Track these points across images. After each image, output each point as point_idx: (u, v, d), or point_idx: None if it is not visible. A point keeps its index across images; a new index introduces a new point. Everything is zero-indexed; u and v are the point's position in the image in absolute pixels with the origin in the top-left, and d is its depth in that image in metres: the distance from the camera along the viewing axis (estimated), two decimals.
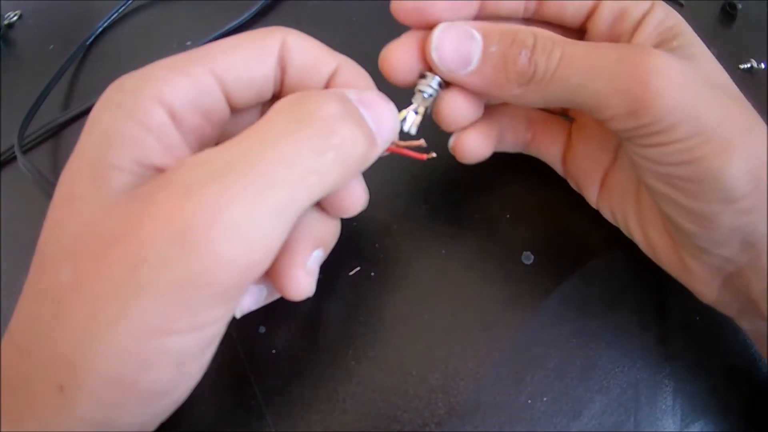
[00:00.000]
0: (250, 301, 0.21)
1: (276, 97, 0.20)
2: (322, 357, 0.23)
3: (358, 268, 0.25)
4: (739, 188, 0.17)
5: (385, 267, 0.25)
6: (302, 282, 0.19)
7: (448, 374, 0.22)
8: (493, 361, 0.22)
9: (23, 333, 0.15)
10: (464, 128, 0.23)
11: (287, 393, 0.22)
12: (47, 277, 0.15)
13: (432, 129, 0.22)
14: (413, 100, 0.21)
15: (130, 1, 0.42)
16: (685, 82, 0.17)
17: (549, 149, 0.25)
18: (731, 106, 0.18)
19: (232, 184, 0.14)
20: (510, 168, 0.27)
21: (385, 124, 0.18)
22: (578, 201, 0.26)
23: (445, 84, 0.21)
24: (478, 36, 0.19)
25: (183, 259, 0.13)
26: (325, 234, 0.21)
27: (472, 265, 0.25)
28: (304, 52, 0.19)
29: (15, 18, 0.46)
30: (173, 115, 0.16)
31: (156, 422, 0.17)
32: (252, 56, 0.18)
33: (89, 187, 0.15)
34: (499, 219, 0.26)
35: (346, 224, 0.22)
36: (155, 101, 0.16)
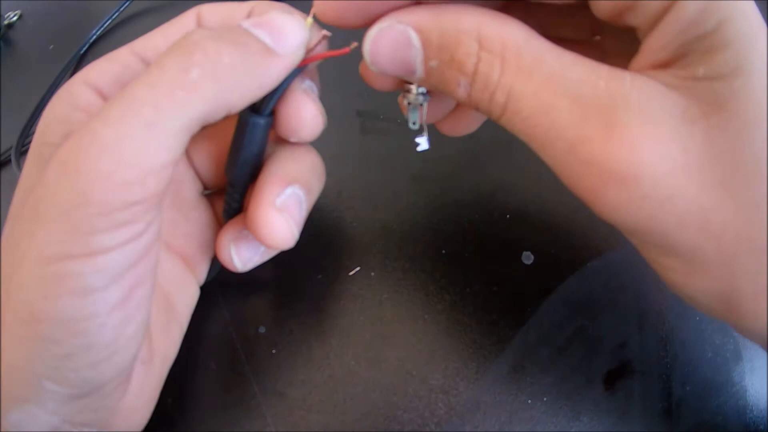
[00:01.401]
0: (248, 250, 0.21)
1: None
2: (321, 357, 0.23)
3: (358, 268, 0.25)
4: (706, 307, 0.15)
5: (385, 267, 0.25)
6: (274, 221, 0.19)
7: (448, 374, 0.22)
8: (493, 361, 0.22)
9: None
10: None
11: (287, 393, 0.22)
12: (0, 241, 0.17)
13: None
14: (408, 112, 0.19)
15: (129, 3, 0.42)
16: (664, 197, 0.12)
17: None
18: (739, 216, 0.12)
19: (104, 113, 0.15)
20: (510, 168, 0.27)
21: (286, 34, 0.18)
22: (578, 201, 0.26)
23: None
24: (417, 43, 0.15)
25: (65, 183, 0.15)
26: (297, 170, 0.20)
27: (472, 265, 0.25)
28: (217, 11, 0.21)
29: (15, 18, 0.46)
30: (101, 93, 0.19)
31: (80, 374, 0.16)
32: (169, 32, 0.20)
33: (34, 165, 0.18)
34: (499, 219, 0.26)
35: (346, 224, 0.22)
36: (82, 83, 0.19)
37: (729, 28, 0.12)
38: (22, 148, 0.35)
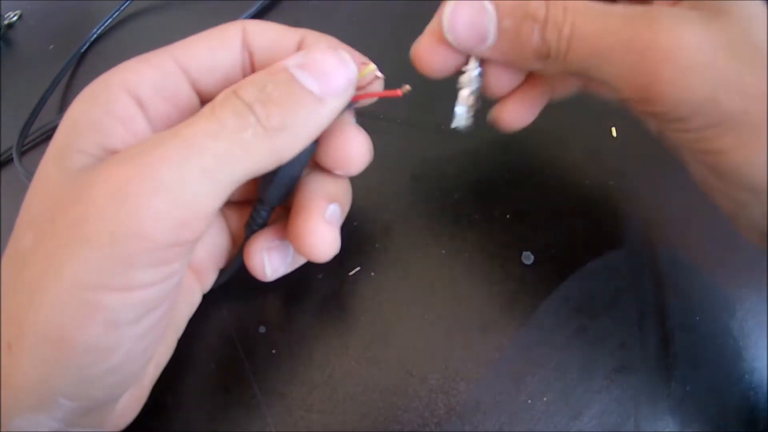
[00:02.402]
0: (278, 260, 0.22)
1: None
2: (322, 357, 0.23)
3: (358, 268, 0.25)
4: (763, 182, 0.16)
5: (385, 267, 0.25)
6: (324, 235, 0.20)
7: (448, 374, 0.22)
8: (493, 361, 0.22)
9: None
10: (503, 98, 0.22)
11: (287, 393, 0.22)
12: (14, 245, 0.17)
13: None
14: (459, 101, 0.20)
15: (128, 3, 0.42)
16: (703, 64, 0.15)
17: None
18: (765, 82, 0.15)
19: (163, 151, 0.15)
20: (510, 168, 0.27)
21: (332, 77, 0.18)
22: (578, 201, 0.26)
23: (482, 61, 0.20)
24: (491, 8, 0.18)
25: (117, 212, 0.15)
26: (335, 190, 0.21)
27: (472, 265, 0.25)
28: (266, 33, 0.20)
29: (15, 18, 0.46)
30: (139, 102, 0.18)
31: (101, 397, 0.17)
32: (213, 44, 0.20)
33: (54, 166, 0.17)
34: (499, 219, 0.26)
35: (346, 224, 0.22)
36: (121, 89, 0.18)
37: None
38: (23, 148, 0.35)
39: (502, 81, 0.21)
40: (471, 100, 0.20)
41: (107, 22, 0.41)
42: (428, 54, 0.20)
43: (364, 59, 0.20)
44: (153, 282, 0.16)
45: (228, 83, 0.19)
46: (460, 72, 0.20)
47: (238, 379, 0.23)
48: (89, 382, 0.16)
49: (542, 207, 0.26)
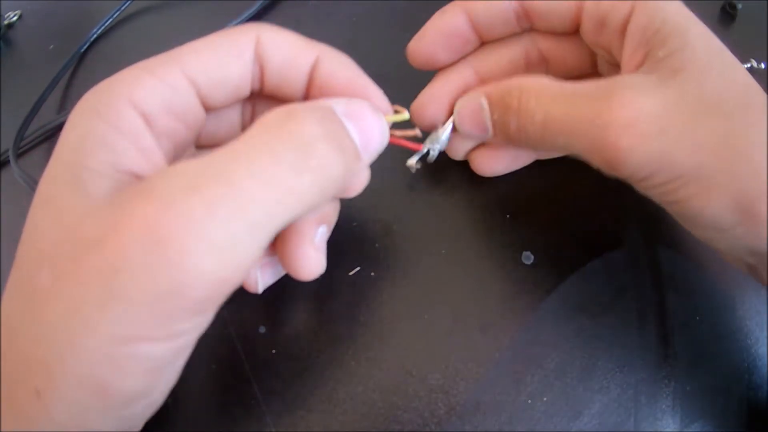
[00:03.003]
0: (270, 275, 0.22)
1: (255, 94, 0.20)
2: (322, 357, 0.23)
3: (358, 268, 0.25)
4: (724, 222, 0.17)
5: (385, 267, 0.25)
6: (313, 259, 0.20)
7: (448, 374, 0.22)
8: (493, 361, 0.22)
9: (4, 330, 0.15)
10: (477, 148, 0.25)
11: (287, 393, 0.22)
12: (26, 279, 0.15)
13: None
14: (429, 143, 0.24)
15: (128, 2, 0.42)
16: (656, 130, 0.17)
17: None
18: (717, 133, 0.17)
19: (211, 197, 0.14)
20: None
21: (372, 137, 0.18)
22: (578, 201, 0.26)
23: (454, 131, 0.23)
24: (485, 105, 0.21)
25: (159, 270, 0.13)
26: (327, 212, 0.21)
27: (472, 265, 0.25)
28: (281, 47, 0.19)
29: (15, 18, 0.46)
30: (146, 118, 0.17)
31: (136, 424, 0.17)
32: (224, 55, 0.18)
33: (68, 190, 0.15)
34: (499, 219, 0.26)
35: (346, 224, 0.22)
36: (127, 104, 0.16)
37: (667, 25, 0.18)
38: (19, 150, 0.35)
39: (464, 146, 0.25)
40: (433, 156, 0.24)
41: (107, 22, 0.41)
42: (429, 114, 0.23)
43: (397, 107, 0.22)
44: (193, 328, 0.15)
45: (237, 98, 0.19)
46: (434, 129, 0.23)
47: (238, 379, 0.23)
48: (126, 419, 0.16)
49: (542, 207, 0.26)
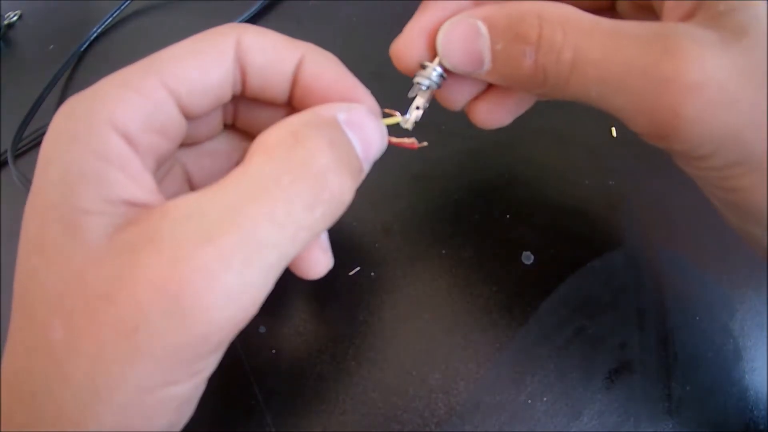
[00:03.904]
0: None
1: (236, 97, 0.19)
2: (322, 357, 0.23)
3: (358, 268, 0.25)
4: None
5: (385, 267, 0.25)
6: (321, 259, 0.20)
7: (448, 374, 0.22)
8: (493, 361, 0.22)
9: (21, 386, 0.15)
10: (476, 97, 0.21)
11: (287, 393, 0.22)
12: (37, 332, 0.15)
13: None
14: (415, 95, 0.19)
15: (128, 2, 0.42)
16: (729, 99, 0.14)
17: None
18: None
19: (225, 247, 0.13)
20: (510, 168, 0.27)
21: (373, 147, 0.18)
22: (578, 201, 0.26)
23: (448, 72, 0.19)
24: (484, 30, 0.17)
25: (178, 325, 0.13)
26: None
27: (472, 265, 0.25)
28: (263, 50, 0.18)
29: (15, 18, 0.46)
30: (129, 139, 0.15)
31: None
32: (206, 61, 0.17)
33: (62, 236, 0.14)
34: (499, 219, 0.26)
35: (347, 224, 0.22)
36: (109, 127, 0.15)
37: None
38: (17, 151, 0.35)
39: (461, 92, 0.20)
40: (424, 101, 0.19)
41: (107, 22, 0.41)
42: (405, 54, 0.19)
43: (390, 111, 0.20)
44: (211, 364, 0.16)
45: (218, 104, 0.18)
46: (421, 66, 0.19)
47: (238, 379, 0.23)
48: None
49: (542, 207, 0.26)
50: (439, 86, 0.19)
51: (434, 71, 0.18)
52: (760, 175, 0.14)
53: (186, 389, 0.15)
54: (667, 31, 0.14)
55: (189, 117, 0.18)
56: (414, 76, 0.19)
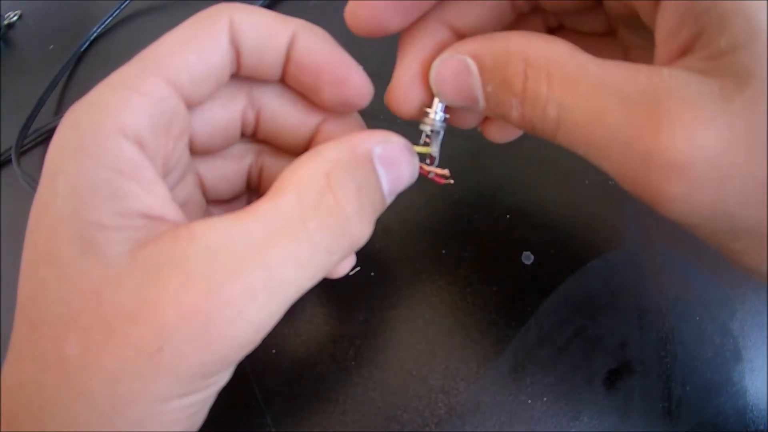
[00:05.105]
0: None
1: (258, 112, 0.20)
2: (322, 357, 0.23)
3: (358, 268, 0.25)
4: None
5: (385, 267, 0.25)
6: (346, 262, 0.22)
7: (448, 374, 0.22)
8: (493, 361, 0.22)
9: (28, 396, 0.15)
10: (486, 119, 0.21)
11: (287, 393, 0.22)
12: (48, 346, 0.14)
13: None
14: (423, 142, 0.19)
15: (128, 2, 0.42)
16: (718, 175, 0.12)
17: None
18: None
19: (252, 284, 0.14)
20: (510, 168, 0.27)
21: (403, 182, 0.18)
22: (578, 201, 0.26)
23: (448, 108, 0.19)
24: (474, 69, 0.16)
25: (204, 349, 0.14)
26: None
27: (472, 265, 0.25)
28: (255, 28, 0.18)
29: (15, 18, 0.46)
30: (141, 144, 0.15)
31: None
32: (202, 47, 0.17)
33: (76, 251, 0.14)
34: (499, 219, 0.26)
35: None
36: (119, 135, 0.14)
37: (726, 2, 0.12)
38: (21, 149, 0.35)
39: (470, 118, 0.20)
40: (437, 148, 0.19)
41: (107, 22, 0.41)
42: (403, 100, 0.19)
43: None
44: (229, 374, 0.16)
45: (217, 85, 0.18)
46: (424, 113, 0.19)
47: (238, 379, 0.23)
48: None
49: (542, 207, 0.26)
50: (444, 129, 0.19)
51: (437, 115, 0.18)
52: (748, 242, 0.14)
53: (201, 398, 0.15)
54: (656, 91, 0.13)
55: (192, 106, 0.18)
56: (422, 123, 0.19)
